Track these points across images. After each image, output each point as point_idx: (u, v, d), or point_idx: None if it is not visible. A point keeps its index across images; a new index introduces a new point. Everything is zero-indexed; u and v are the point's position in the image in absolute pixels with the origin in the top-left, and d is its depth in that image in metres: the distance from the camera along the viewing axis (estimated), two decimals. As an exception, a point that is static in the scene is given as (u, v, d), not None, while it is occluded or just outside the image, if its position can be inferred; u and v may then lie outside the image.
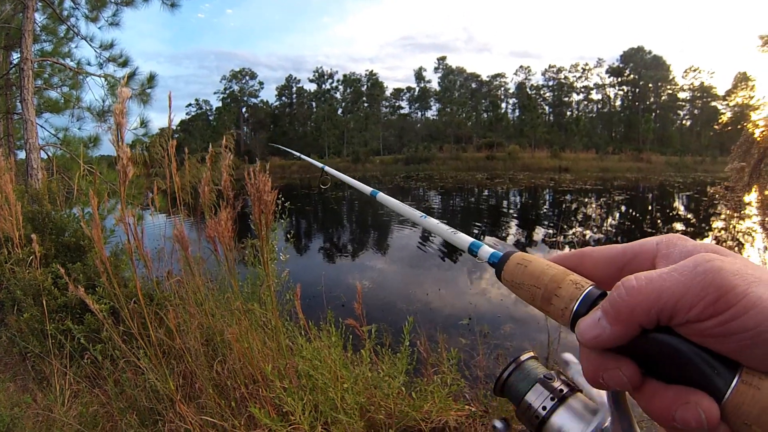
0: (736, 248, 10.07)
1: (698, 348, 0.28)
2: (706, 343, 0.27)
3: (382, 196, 0.93)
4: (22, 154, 6.73)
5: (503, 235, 11.95)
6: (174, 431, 1.94)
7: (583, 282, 0.34)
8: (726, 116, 54.95)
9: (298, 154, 2.01)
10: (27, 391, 2.62)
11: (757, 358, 0.26)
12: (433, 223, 0.62)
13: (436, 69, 62.80)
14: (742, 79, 53.18)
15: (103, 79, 7.14)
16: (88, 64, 7.65)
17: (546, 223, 13.96)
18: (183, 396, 2.03)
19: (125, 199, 1.68)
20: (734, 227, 12.79)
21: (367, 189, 1.03)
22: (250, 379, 1.90)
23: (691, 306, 0.26)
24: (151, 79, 7.20)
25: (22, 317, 2.80)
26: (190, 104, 60.43)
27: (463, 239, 0.51)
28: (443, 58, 62.25)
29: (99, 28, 7.24)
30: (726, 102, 55.12)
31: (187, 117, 59.01)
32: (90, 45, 7.22)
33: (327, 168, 1.39)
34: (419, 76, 63.69)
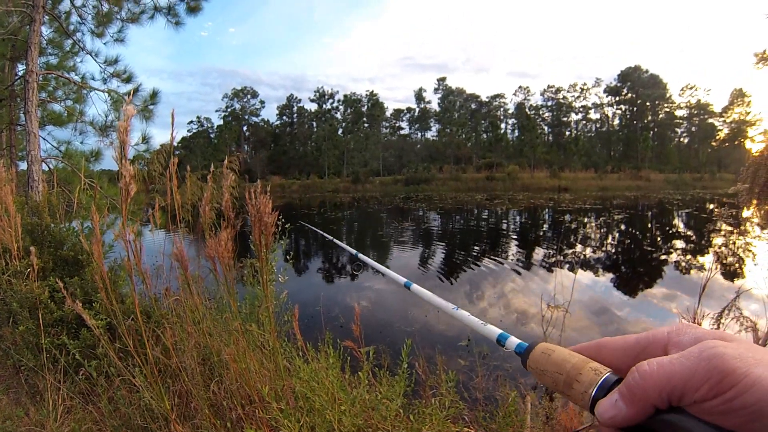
0: (737, 263, 10.07)
1: (706, 425, 0.31)
2: (713, 419, 0.31)
3: (416, 288, 0.98)
4: (23, 166, 6.75)
5: (503, 256, 11.94)
6: (168, 451, 1.91)
7: (601, 369, 0.38)
8: (723, 132, 55.62)
9: (330, 237, 2.14)
10: (20, 404, 2.58)
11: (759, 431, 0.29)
12: (464, 315, 0.69)
13: (435, 90, 63.85)
14: (738, 96, 53.91)
15: (106, 94, 7.20)
16: (92, 78, 7.72)
17: (545, 243, 13.96)
18: (178, 415, 2.01)
19: (126, 216, 1.68)
20: (734, 243, 12.82)
21: (401, 279, 1.09)
22: (246, 400, 1.88)
23: (697, 387, 0.30)
24: (154, 95, 7.27)
25: (17, 330, 2.77)
26: (191, 121, 61.32)
27: (492, 331, 0.58)
28: (443, 79, 63.14)
29: (104, 43, 7.33)
30: (723, 118, 55.78)
31: (189, 134, 59.90)
32: (95, 60, 7.30)
33: (360, 255, 1.48)
34: (419, 96, 64.67)
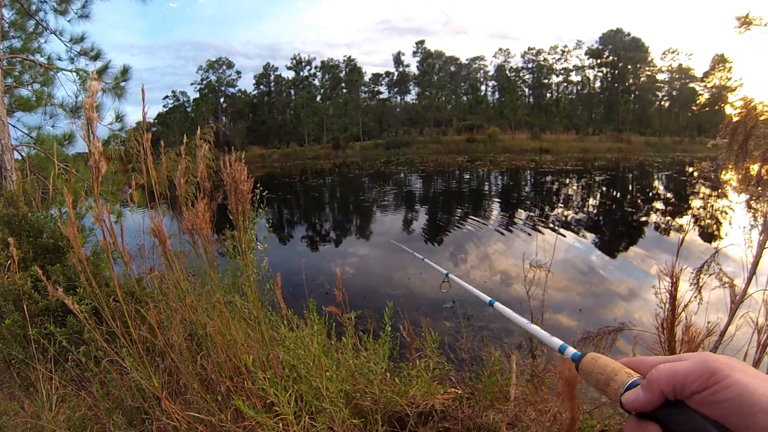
0: (714, 225, 10.31)
1: (698, 414, 0.41)
2: (703, 410, 0.41)
3: (499, 306, 1.12)
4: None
5: (486, 217, 12.04)
6: (162, 429, 1.93)
7: (633, 374, 0.50)
8: (704, 97, 55.83)
9: (420, 257, 2.31)
10: (14, 398, 2.57)
11: (736, 423, 0.38)
12: (536, 328, 0.85)
13: (414, 53, 62.32)
14: (720, 61, 53.93)
15: (74, 74, 6.94)
16: (59, 59, 7.39)
17: (527, 204, 14.09)
18: (169, 393, 2.02)
19: (101, 196, 1.64)
20: (712, 206, 13.09)
21: (486, 298, 1.23)
22: (234, 372, 1.90)
23: (693, 381, 0.41)
24: (125, 72, 7.02)
25: (3, 323, 2.74)
26: (166, 96, 58.86)
27: (555, 342, 0.74)
28: (422, 42, 61.77)
29: (68, 21, 7.00)
30: (704, 83, 55.88)
31: (165, 109, 57.56)
32: (60, 39, 6.99)
33: (451, 275, 1.62)
34: (398, 60, 63.20)
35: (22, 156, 6.49)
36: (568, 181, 21.30)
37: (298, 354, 1.82)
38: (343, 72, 60.36)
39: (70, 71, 6.97)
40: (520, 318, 0.95)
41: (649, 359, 0.50)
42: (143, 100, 2.20)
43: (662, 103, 60.64)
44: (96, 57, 7.09)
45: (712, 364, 0.41)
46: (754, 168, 2.29)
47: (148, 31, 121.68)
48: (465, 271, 7.24)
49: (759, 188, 2.17)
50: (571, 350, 0.66)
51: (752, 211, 2.13)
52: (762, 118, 2.23)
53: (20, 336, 2.73)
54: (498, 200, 15.55)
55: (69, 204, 1.66)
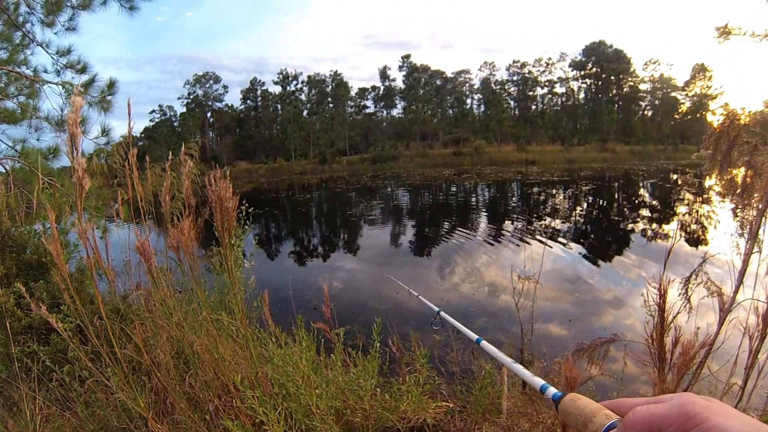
0: (700, 231, 10.46)
1: None
2: None
3: (485, 344, 1.14)
4: (-24, 170, 6.40)
5: (474, 230, 12.09)
6: (149, 449, 1.88)
7: (612, 416, 0.50)
8: (685, 106, 57.19)
9: (416, 293, 2.35)
10: None
11: None
12: (519, 368, 0.87)
13: (400, 67, 62.89)
14: (700, 70, 55.42)
15: (60, 86, 6.87)
16: (45, 71, 7.30)
17: (515, 216, 14.18)
18: (155, 413, 1.98)
19: (85, 212, 1.62)
20: (697, 211, 13.29)
21: (473, 336, 1.25)
22: (223, 391, 1.87)
23: (669, 425, 0.40)
24: (112, 85, 6.95)
25: (-15, 342, 2.67)
26: (153, 110, 58.70)
27: (537, 381, 0.76)
28: (407, 56, 62.39)
29: (55, 33, 6.93)
30: (685, 92, 57.27)
31: (151, 124, 57.36)
32: (46, 51, 6.92)
33: (442, 313, 1.68)
34: (384, 74, 63.71)
35: (6, 169, 6.37)
36: (554, 191, 21.49)
37: (287, 371, 1.80)
38: (330, 86, 60.72)
39: (56, 84, 6.90)
40: (505, 357, 0.98)
41: (629, 401, 0.50)
42: (129, 114, 2.18)
43: (645, 112, 61.86)
44: (82, 70, 7.04)
45: (689, 407, 0.40)
46: (739, 175, 2.33)
47: (133, 44, 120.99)
48: (453, 283, 7.23)
49: (744, 196, 2.20)
50: (551, 390, 0.68)
51: (739, 219, 2.16)
52: (742, 122, 2.27)
53: (3, 354, 2.66)
54: (485, 212, 15.62)
55: (52, 220, 1.63)
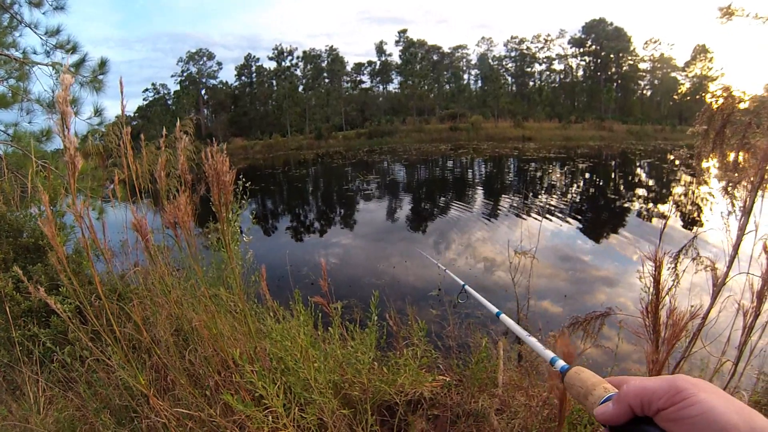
0: (695, 211, 10.50)
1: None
2: (668, 427, 0.42)
3: (504, 317, 1.18)
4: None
5: (470, 205, 12.09)
6: (151, 427, 1.91)
7: (611, 389, 0.53)
8: (685, 87, 56.67)
9: (443, 267, 2.26)
10: (1, 402, 2.53)
11: None
12: (533, 341, 0.89)
13: (397, 42, 61.67)
14: (701, 51, 54.72)
15: (51, 68, 6.75)
16: (34, 53, 7.16)
17: (511, 192, 14.17)
18: (156, 390, 2.00)
19: (81, 193, 1.61)
20: (693, 192, 13.31)
21: (494, 309, 1.27)
22: (222, 366, 1.89)
23: (659, 398, 0.42)
24: (103, 64, 6.84)
25: (-14, 327, 2.68)
26: (146, 89, 57.40)
27: (548, 354, 0.78)
28: (404, 31, 61.16)
29: (43, 13, 6.78)
30: (685, 73, 56.67)
31: (145, 103, 56.22)
32: (35, 32, 6.78)
33: (467, 287, 1.65)
34: (380, 49, 62.66)
35: (-1, 154, 6.31)
36: (551, 168, 21.46)
37: (285, 346, 1.82)
38: (325, 62, 59.82)
39: (47, 65, 6.78)
40: (521, 330, 1.01)
41: (630, 378, 0.51)
42: (122, 93, 2.16)
43: (644, 91, 61.33)
44: (72, 50, 6.91)
45: (680, 382, 0.42)
46: (731, 155, 2.33)
47: (124, 23, 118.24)
48: (449, 258, 7.26)
49: (736, 174, 2.21)
50: (560, 363, 0.71)
51: (729, 197, 2.17)
52: (739, 106, 2.27)
53: (4, 339, 2.68)
54: (481, 188, 15.61)
55: (45, 202, 1.62)
